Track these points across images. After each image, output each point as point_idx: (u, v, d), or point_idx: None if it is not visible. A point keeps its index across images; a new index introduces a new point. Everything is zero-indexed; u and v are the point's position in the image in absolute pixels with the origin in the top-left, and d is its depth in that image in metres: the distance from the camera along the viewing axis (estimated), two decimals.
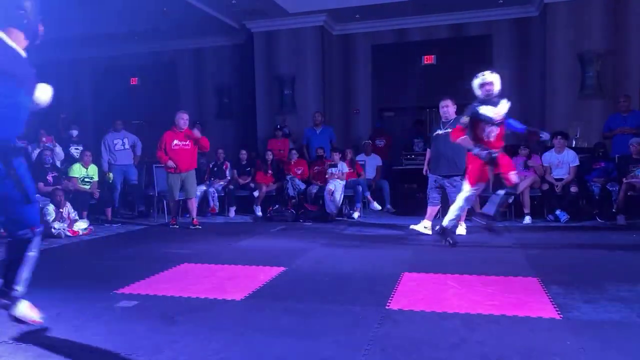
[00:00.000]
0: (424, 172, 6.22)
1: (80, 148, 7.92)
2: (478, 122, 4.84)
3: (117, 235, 6.34)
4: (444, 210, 5.62)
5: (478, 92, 4.87)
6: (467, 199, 5.02)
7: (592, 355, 2.27)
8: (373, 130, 9.86)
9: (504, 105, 4.83)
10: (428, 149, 6.16)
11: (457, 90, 9.99)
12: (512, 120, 5.03)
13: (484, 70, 4.93)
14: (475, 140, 4.88)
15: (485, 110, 4.77)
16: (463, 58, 9.49)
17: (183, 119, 6.67)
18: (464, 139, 4.87)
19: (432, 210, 5.87)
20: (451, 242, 4.97)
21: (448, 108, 5.73)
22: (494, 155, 4.81)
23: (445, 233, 5.02)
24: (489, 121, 4.79)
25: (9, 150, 2.41)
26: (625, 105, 7.22)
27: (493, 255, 4.57)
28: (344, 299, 3.22)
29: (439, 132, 5.75)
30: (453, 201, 5.34)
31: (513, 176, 4.83)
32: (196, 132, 6.67)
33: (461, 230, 5.61)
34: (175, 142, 6.64)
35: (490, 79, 4.83)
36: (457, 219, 5.11)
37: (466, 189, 5.00)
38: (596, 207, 6.68)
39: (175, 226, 6.80)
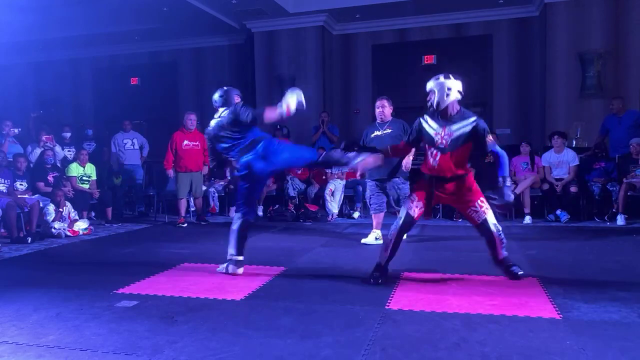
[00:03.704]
0: (358, 177, 5.88)
1: (73, 150, 7.90)
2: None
3: (117, 235, 6.34)
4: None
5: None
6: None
7: (592, 355, 2.26)
8: None
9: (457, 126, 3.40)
10: None
11: None
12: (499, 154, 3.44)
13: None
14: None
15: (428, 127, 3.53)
16: (463, 58, 9.49)
17: (191, 120, 7.00)
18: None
19: (378, 218, 5.35)
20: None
21: (384, 109, 5.23)
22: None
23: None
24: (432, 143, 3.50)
25: None
26: (618, 107, 7.18)
27: None
28: (344, 299, 3.22)
29: (378, 133, 5.17)
30: (394, 204, 5.15)
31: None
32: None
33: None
34: (186, 142, 6.96)
35: (431, 86, 3.46)
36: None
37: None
38: (596, 207, 6.68)
39: (183, 225, 6.89)
